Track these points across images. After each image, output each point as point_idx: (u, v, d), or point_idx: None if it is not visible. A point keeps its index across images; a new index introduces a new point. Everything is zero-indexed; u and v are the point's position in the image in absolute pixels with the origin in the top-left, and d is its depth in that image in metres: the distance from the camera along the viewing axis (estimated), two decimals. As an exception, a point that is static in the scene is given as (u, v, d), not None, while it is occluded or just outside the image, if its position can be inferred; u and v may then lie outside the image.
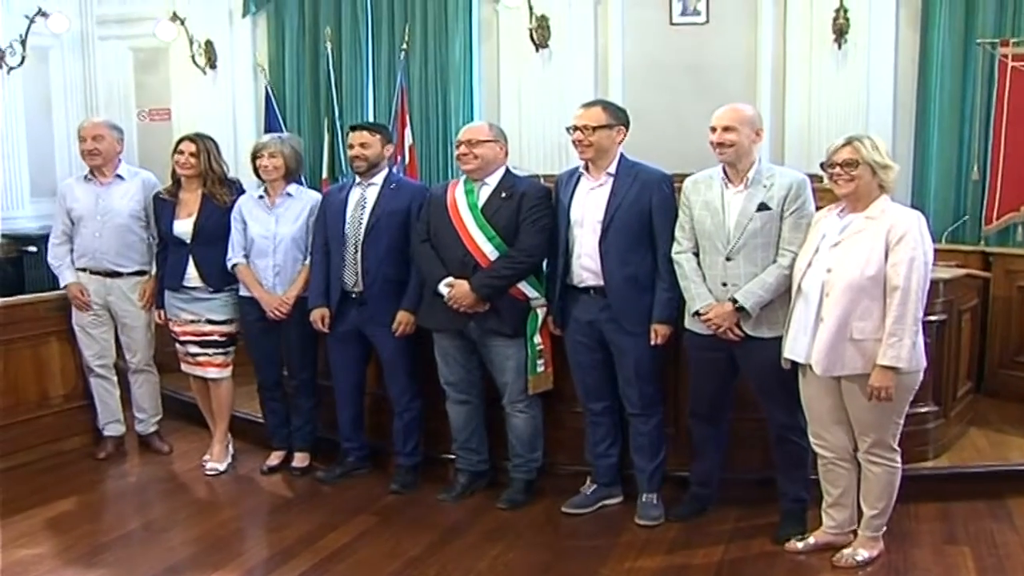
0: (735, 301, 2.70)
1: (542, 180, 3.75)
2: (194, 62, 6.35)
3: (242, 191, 3.69)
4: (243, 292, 3.58)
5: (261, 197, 3.56)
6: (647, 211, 2.91)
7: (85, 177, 3.83)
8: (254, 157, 3.55)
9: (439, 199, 3.20)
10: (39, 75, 6.38)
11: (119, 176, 3.81)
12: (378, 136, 3.40)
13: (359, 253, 3.31)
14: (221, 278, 3.59)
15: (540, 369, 3.11)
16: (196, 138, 3.65)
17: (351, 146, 3.40)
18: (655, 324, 2.91)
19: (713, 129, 2.77)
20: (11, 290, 5.46)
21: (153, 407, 4.00)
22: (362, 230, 3.31)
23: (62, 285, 3.81)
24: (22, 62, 6.01)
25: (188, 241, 3.58)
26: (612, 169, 2.96)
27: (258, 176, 3.59)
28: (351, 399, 3.53)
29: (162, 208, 3.67)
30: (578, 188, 3.01)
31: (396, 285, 3.32)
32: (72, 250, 3.81)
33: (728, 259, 2.73)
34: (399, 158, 5.62)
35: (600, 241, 2.94)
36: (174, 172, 3.66)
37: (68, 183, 3.93)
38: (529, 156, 5.45)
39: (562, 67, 5.53)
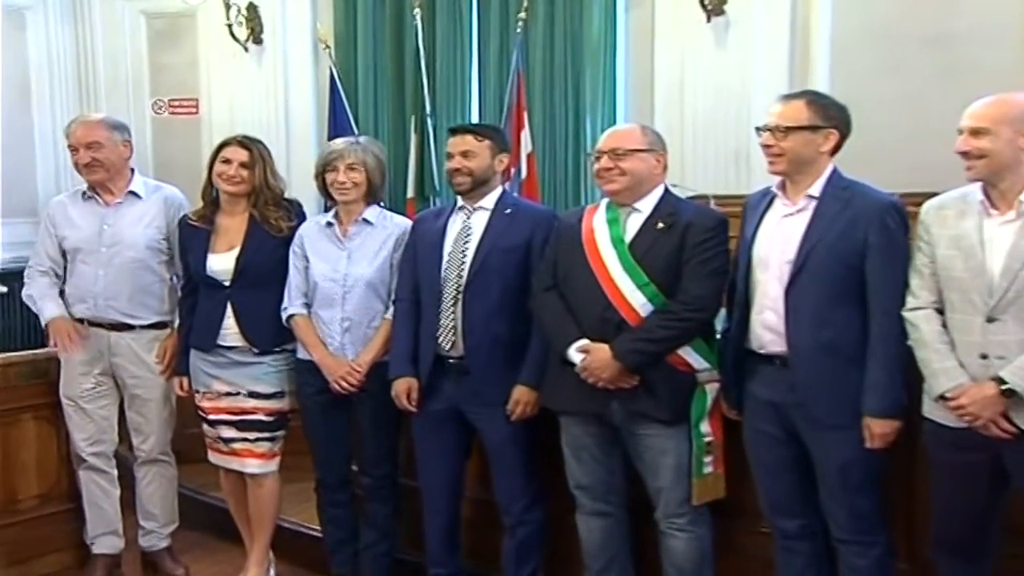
0: (1001, 381, 2.72)
1: (713, 204, 4.02)
2: (232, 34, 6.90)
3: (302, 216, 4.02)
4: (300, 354, 3.85)
5: (330, 225, 3.85)
6: (859, 251, 2.97)
7: (83, 194, 4.15)
8: (324, 170, 3.84)
9: (571, 231, 3.39)
10: (12, 48, 7.02)
11: (133, 194, 4.14)
12: (487, 142, 3.63)
13: (460, 304, 3.53)
14: (271, 335, 3.87)
15: (709, 470, 3.23)
16: (250, 143, 3.93)
17: (449, 155, 3.65)
18: (868, 417, 2.95)
19: (960, 131, 2.83)
20: None
21: (166, 513, 4.29)
22: (465, 272, 3.54)
23: (44, 321, 4.05)
24: None
25: (227, 283, 3.86)
26: (816, 190, 3.05)
27: (326, 196, 3.92)
28: (444, 506, 3.73)
29: (191, 238, 3.96)
30: (767, 215, 3.15)
31: (510, 349, 3.53)
32: (62, 290, 4.15)
33: (990, 320, 2.75)
34: (513, 171, 5.95)
35: (787, 290, 3.03)
36: (209, 188, 3.98)
37: (59, 201, 4.24)
38: (696, 170, 5.66)
39: (745, 42, 5.71)
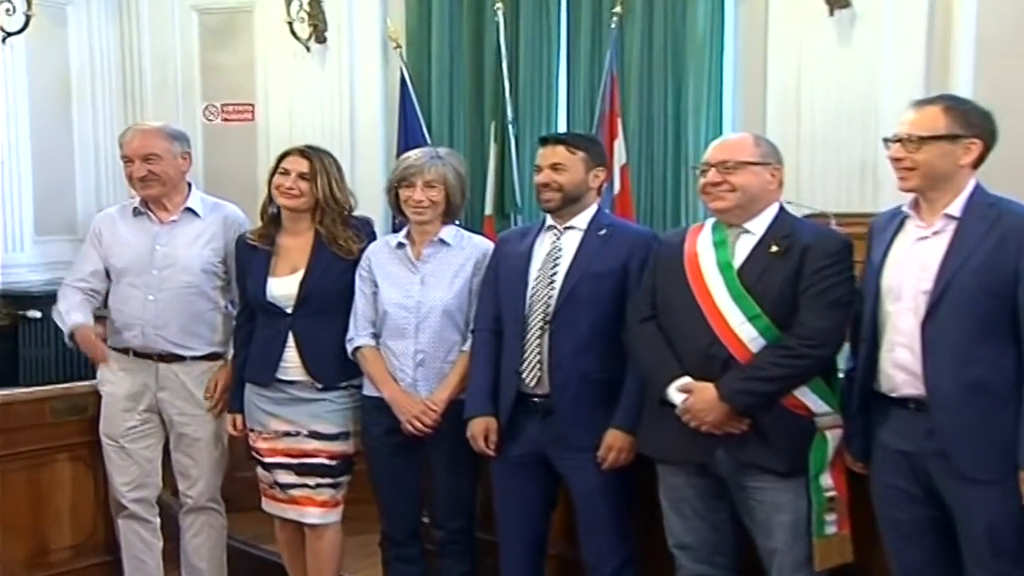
0: None
1: (834, 224, 3.99)
2: (292, 32, 7.04)
3: (374, 236, 4.08)
4: (368, 391, 3.91)
5: (401, 246, 3.91)
6: (1009, 278, 2.93)
7: (134, 210, 4.25)
8: (398, 185, 3.89)
9: (672, 254, 3.41)
10: (51, 47, 7.20)
11: (190, 211, 4.22)
12: (581, 154, 3.67)
13: (546, 335, 3.57)
14: (336, 369, 3.93)
15: (831, 530, 3.19)
16: (311, 153, 3.98)
17: (538, 168, 3.70)
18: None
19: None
20: None
21: (214, 568, 4.32)
22: (552, 300, 3.58)
23: (67, 331, 4.07)
24: (25, 25, 6.73)
25: (289, 311, 3.93)
26: (956, 209, 3.02)
27: (398, 212, 3.99)
28: (525, 564, 3.74)
29: (250, 259, 4.03)
30: (898, 238, 3.13)
31: (602, 387, 3.55)
32: (102, 316, 4.24)
33: None
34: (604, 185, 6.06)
35: (925, 324, 2.99)
36: (269, 204, 4.05)
37: (108, 215, 4.35)
38: (815, 186, 5.65)
39: (873, 38, 5.69)
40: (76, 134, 7.49)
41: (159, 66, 7.72)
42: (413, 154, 4.00)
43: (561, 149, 3.69)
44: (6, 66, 6.95)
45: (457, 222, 3.99)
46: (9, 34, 6.80)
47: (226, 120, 7.60)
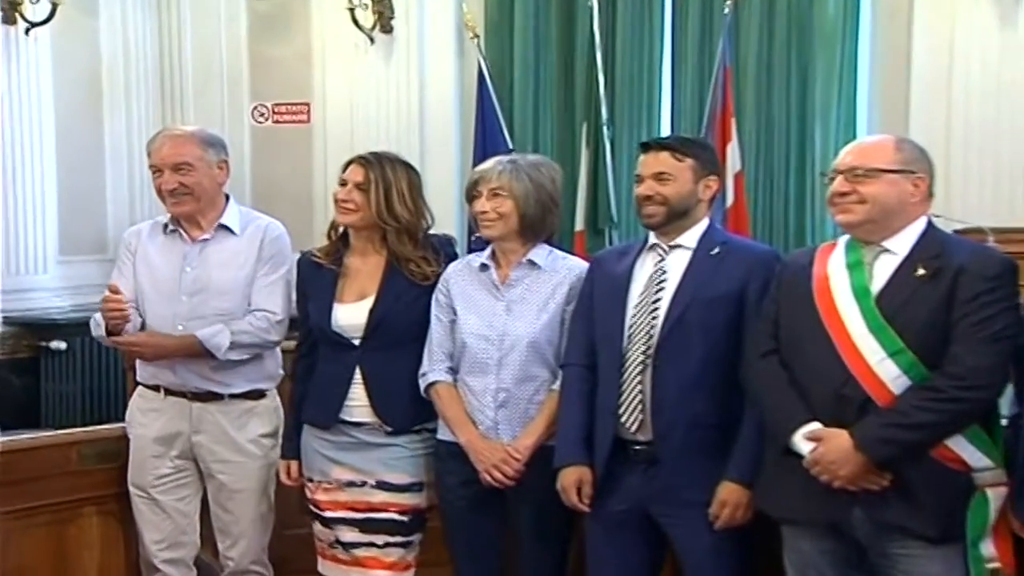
0: None
1: (992, 242, 3.92)
2: (354, 21, 7.11)
3: (453, 256, 4.10)
4: (443, 435, 3.94)
5: (485, 268, 3.95)
6: None
7: (165, 227, 4.33)
8: (469, 196, 3.94)
9: (798, 278, 3.40)
10: (80, 39, 7.29)
11: (225, 228, 4.29)
12: (689, 162, 3.68)
13: (649, 371, 3.57)
14: (409, 410, 3.97)
15: None
16: (371, 160, 4.02)
17: (639, 178, 3.71)
18: None
19: None
20: (18, 418, 6.32)
21: None
22: (656, 330, 3.58)
23: (102, 324, 4.14)
24: (51, 15, 6.83)
25: (357, 342, 3.98)
26: None
27: (475, 228, 4.02)
28: None
29: (314, 281, 4.09)
30: None
31: (715, 432, 3.55)
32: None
33: None
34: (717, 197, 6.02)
35: None
36: (333, 221, 4.11)
37: (137, 232, 4.44)
38: (968, 196, 5.62)
39: None
40: (107, 139, 7.58)
41: (202, 60, 7.82)
42: (487, 163, 4.03)
43: (666, 156, 3.70)
44: (29, 61, 7.06)
45: (551, 241, 4.01)
46: (33, 24, 6.92)
47: (278, 122, 7.70)
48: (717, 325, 3.59)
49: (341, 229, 4.13)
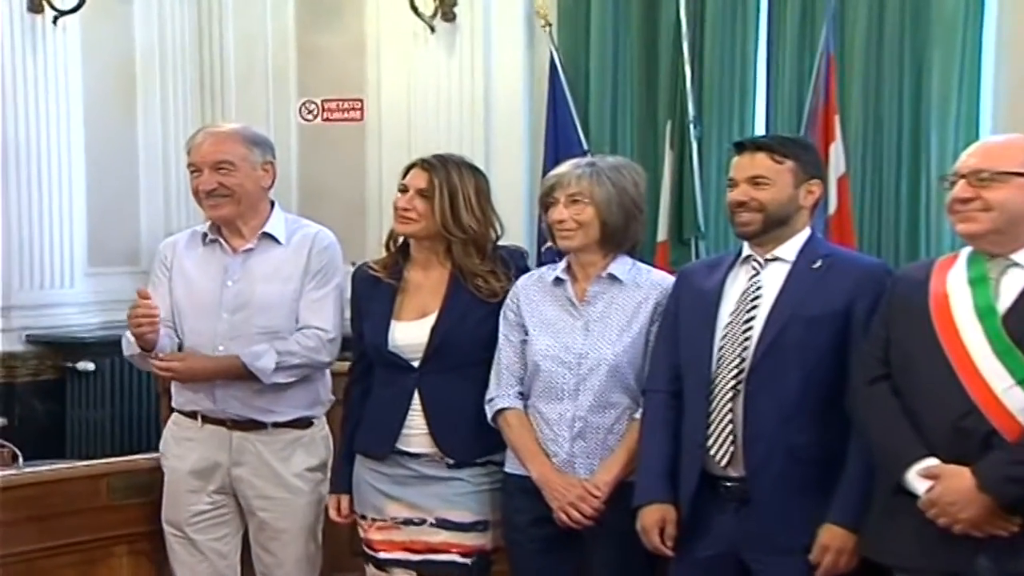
0: None
1: None
2: (413, 8, 7.10)
3: (525, 270, 4.11)
4: (511, 468, 3.95)
5: (560, 282, 3.95)
6: None
7: (204, 237, 4.38)
8: (544, 203, 3.93)
9: (912, 294, 3.36)
10: (112, 29, 7.36)
11: (269, 236, 4.32)
12: (788, 163, 3.66)
13: (741, 399, 3.56)
14: (473, 440, 3.99)
15: None
16: (434, 164, 4.05)
17: (732, 182, 3.70)
18: None
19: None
20: (41, 446, 6.26)
21: None
22: (749, 352, 3.57)
23: (134, 341, 4.12)
24: (81, 3, 6.87)
25: (416, 364, 4.01)
26: None
27: (549, 239, 4.00)
28: None
29: (371, 296, 4.13)
30: None
31: (815, 468, 3.53)
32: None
33: None
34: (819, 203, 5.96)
35: None
36: (392, 230, 4.15)
37: (172, 243, 4.49)
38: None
39: None
40: (141, 139, 7.63)
41: (245, 52, 7.87)
42: (567, 164, 4.03)
43: (763, 157, 3.68)
44: (56, 53, 7.11)
45: (633, 253, 4.01)
46: (61, 13, 6.97)
47: (328, 119, 7.73)
48: (818, 347, 3.57)
49: (400, 240, 4.15)
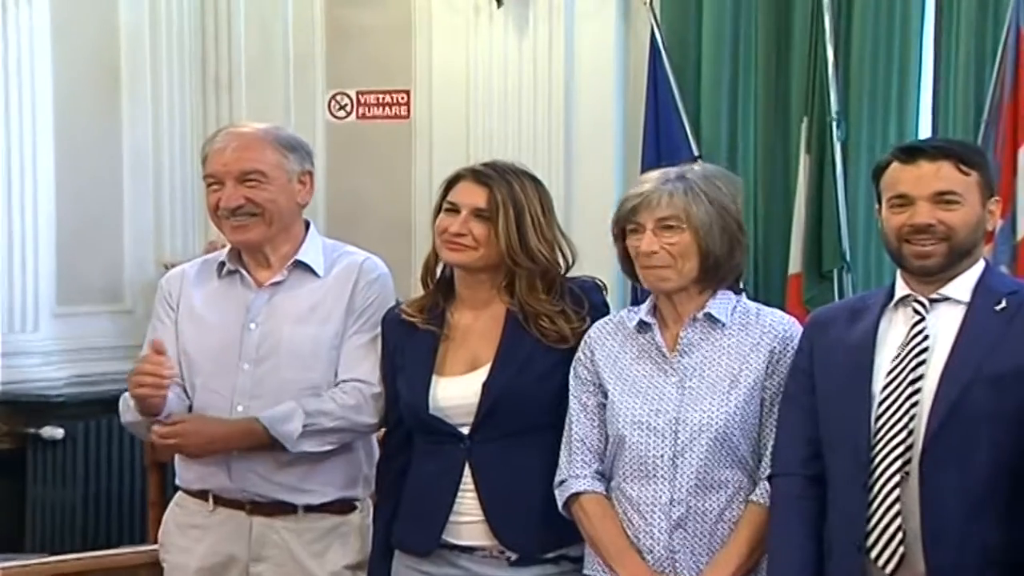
0: None
1: None
2: None
3: (603, 308, 4.06)
4: (591, 568, 3.89)
5: (645, 327, 3.90)
6: None
7: (221, 267, 4.38)
8: (622, 228, 3.82)
9: None
10: (92, 4, 7.43)
11: (303, 266, 4.31)
12: (974, 176, 3.60)
13: (912, 486, 3.48)
14: (541, 530, 3.95)
15: None
16: (493, 176, 4.05)
17: (905, 200, 3.59)
18: None
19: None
20: None
21: None
22: (921, 425, 3.48)
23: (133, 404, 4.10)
24: None
25: (466, 431, 4.00)
26: None
27: (630, 275, 3.92)
28: None
29: (404, 347, 4.13)
30: None
31: (1020, 573, 3.46)
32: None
33: None
34: (998, 224, 5.87)
35: None
36: (433, 261, 4.14)
37: (178, 276, 4.49)
38: None
39: None
40: (127, 144, 7.65)
41: (257, 33, 7.92)
42: (647, 178, 3.95)
43: (948, 168, 3.61)
44: (21, 33, 7.16)
45: (736, 288, 3.97)
46: (24, -10, 7.03)
47: (365, 117, 7.78)
48: (1009, 415, 3.47)
49: (440, 273, 4.14)
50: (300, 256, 4.29)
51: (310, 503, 4.23)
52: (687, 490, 3.76)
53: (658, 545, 3.77)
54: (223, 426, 4.18)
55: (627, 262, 3.89)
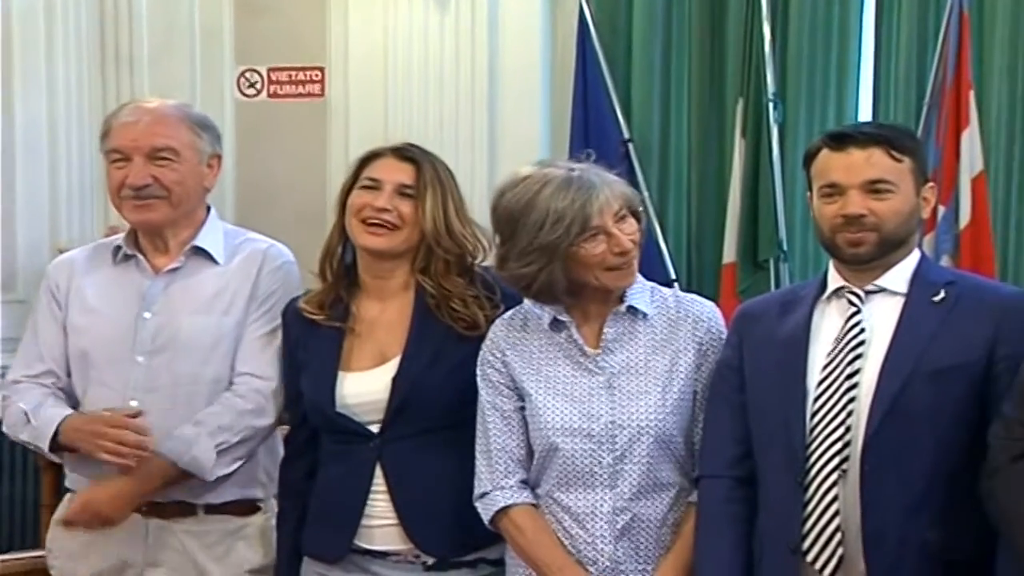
0: None
1: None
2: None
3: (514, 298, 4.00)
4: None
5: (559, 325, 3.90)
6: None
7: (115, 251, 4.38)
8: (580, 233, 3.73)
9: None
10: None
11: (202, 252, 4.33)
12: (907, 162, 3.66)
13: (849, 485, 3.53)
14: (458, 532, 3.96)
15: None
16: (418, 154, 4.08)
17: (834, 188, 3.65)
18: None
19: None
20: None
21: None
22: (860, 421, 3.54)
23: (47, 437, 4.11)
24: None
25: (376, 430, 4.00)
26: None
27: (562, 292, 3.83)
28: None
29: (306, 344, 4.14)
30: None
31: (955, 573, 3.52)
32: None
33: None
34: (941, 211, 5.95)
35: None
36: (337, 246, 4.15)
37: (67, 263, 4.48)
38: None
39: None
40: (20, 122, 7.47)
41: (163, 6, 7.81)
42: (583, 170, 3.89)
43: (880, 155, 3.65)
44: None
45: (671, 284, 3.98)
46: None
47: (277, 95, 7.74)
48: (948, 410, 3.54)
49: (336, 260, 4.14)
50: (198, 242, 4.29)
51: (210, 503, 4.22)
52: (630, 497, 3.79)
53: (602, 556, 3.80)
54: (127, 482, 4.13)
55: (567, 274, 3.79)
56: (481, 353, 3.92)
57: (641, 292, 3.86)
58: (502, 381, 3.90)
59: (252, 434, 4.19)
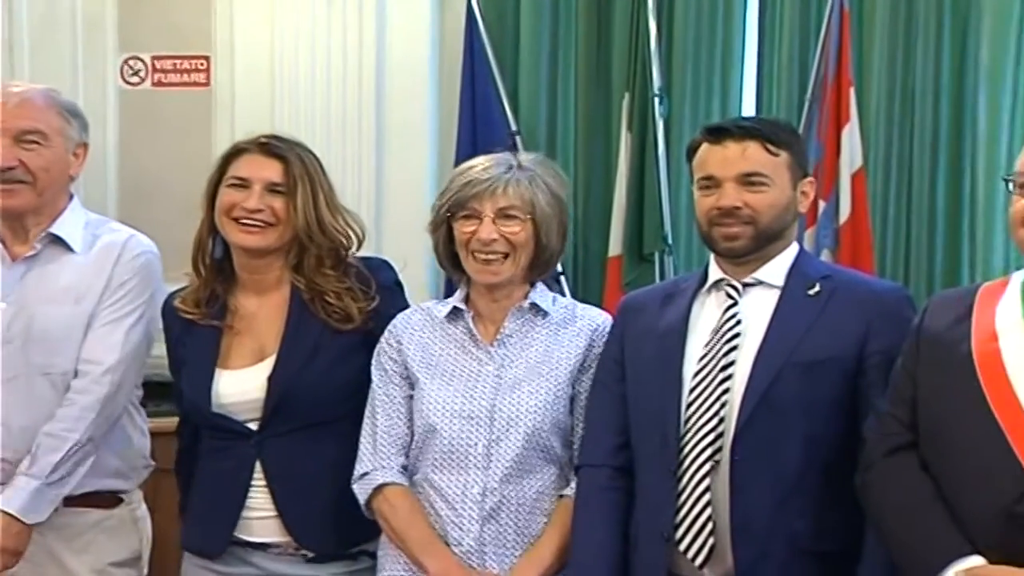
0: None
1: None
2: None
3: (392, 290, 4.11)
4: (390, 566, 3.92)
5: (456, 314, 3.97)
6: None
7: None
8: (450, 215, 3.87)
9: (948, 334, 3.39)
10: None
11: (58, 241, 4.31)
12: (783, 156, 3.73)
13: (721, 475, 3.57)
14: (337, 526, 4.01)
15: None
16: (283, 148, 4.09)
17: (711, 182, 3.72)
18: None
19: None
20: None
21: None
22: (732, 412, 3.58)
23: None
24: None
25: (254, 427, 4.03)
26: None
27: (453, 268, 3.99)
28: None
29: (184, 342, 4.17)
30: None
31: (821, 566, 3.55)
32: None
33: None
34: (821, 206, 6.02)
35: None
36: (208, 241, 4.12)
37: None
38: None
39: None
40: None
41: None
42: (478, 163, 3.98)
43: (755, 148, 3.72)
44: None
45: (559, 278, 4.01)
46: None
47: (161, 83, 7.60)
48: (821, 402, 3.60)
49: (209, 255, 4.13)
50: (54, 229, 4.29)
51: (69, 495, 4.17)
52: (500, 479, 3.83)
53: (468, 537, 3.83)
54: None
55: (448, 246, 3.92)
56: (379, 343, 3.96)
57: (543, 295, 3.94)
58: (395, 370, 3.96)
59: (96, 429, 4.15)
